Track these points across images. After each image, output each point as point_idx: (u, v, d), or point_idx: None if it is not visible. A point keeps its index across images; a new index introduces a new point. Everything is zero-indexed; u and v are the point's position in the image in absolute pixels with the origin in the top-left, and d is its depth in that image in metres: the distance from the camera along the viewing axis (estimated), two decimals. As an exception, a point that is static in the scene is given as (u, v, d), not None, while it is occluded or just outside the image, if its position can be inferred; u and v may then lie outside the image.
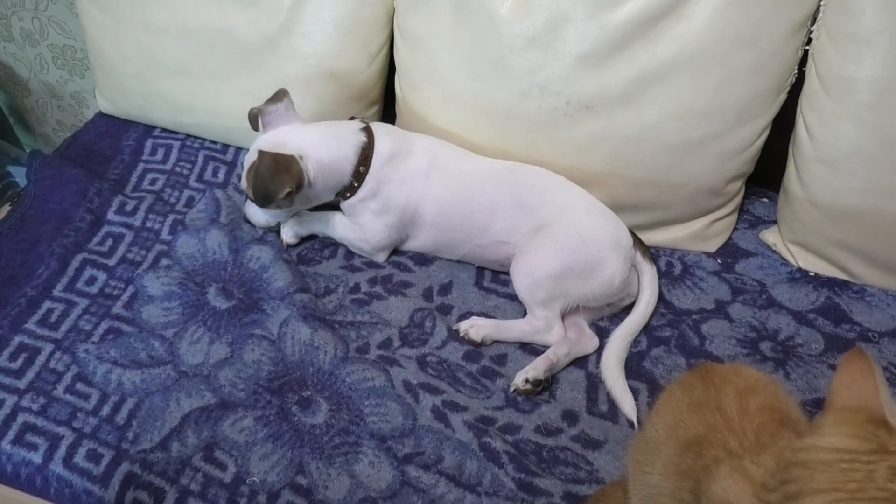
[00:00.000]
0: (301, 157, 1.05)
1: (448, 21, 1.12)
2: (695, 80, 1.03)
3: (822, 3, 1.00)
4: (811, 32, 1.02)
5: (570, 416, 0.97)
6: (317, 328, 1.04)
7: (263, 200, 1.06)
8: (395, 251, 1.18)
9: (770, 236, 1.18)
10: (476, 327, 1.04)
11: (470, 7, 1.09)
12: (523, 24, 1.06)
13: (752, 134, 1.07)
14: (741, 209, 1.22)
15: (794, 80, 1.06)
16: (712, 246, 1.17)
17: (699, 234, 1.16)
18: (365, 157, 1.09)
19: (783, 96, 1.06)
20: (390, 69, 1.26)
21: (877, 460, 0.47)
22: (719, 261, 1.16)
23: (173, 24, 1.25)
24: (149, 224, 1.21)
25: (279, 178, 1.04)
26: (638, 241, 1.09)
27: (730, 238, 1.19)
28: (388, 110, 1.30)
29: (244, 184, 1.11)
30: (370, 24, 1.20)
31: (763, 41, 1.00)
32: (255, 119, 1.10)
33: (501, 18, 1.07)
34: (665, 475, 0.68)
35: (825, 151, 1.04)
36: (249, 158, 1.10)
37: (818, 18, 1.01)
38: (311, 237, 1.20)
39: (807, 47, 1.03)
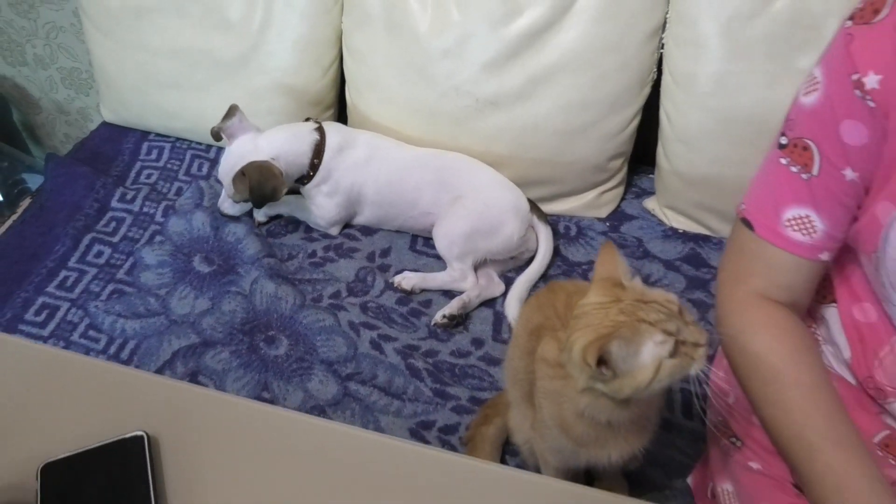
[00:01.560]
0: (274, 159, 1.32)
1: (382, 39, 1.39)
2: (574, 78, 1.30)
3: (667, 15, 1.27)
4: (662, 38, 1.29)
5: (478, 342, 1.23)
6: (280, 284, 1.31)
7: (263, 202, 1.33)
8: (346, 225, 1.45)
9: (650, 203, 1.44)
10: (406, 279, 1.30)
11: (398, 27, 1.36)
12: (440, 40, 1.33)
13: (625, 120, 1.34)
14: (630, 183, 1.49)
15: (654, 76, 1.33)
16: (603, 213, 1.44)
17: (591, 204, 1.42)
18: (318, 150, 1.36)
19: (647, 90, 1.33)
20: (341, 79, 1.53)
21: (613, 305, 0.73)
22: (608, 224, 1.43)
23: (165, 46, 1.52)
24: (145, 209, 1.48)
25: (272, 183, 1.30)
26: (535, 207, 1.35)
27: (618, 206, 1.46)
28: (341, 113, 1.57)
29: (230, 190, 1.35)
30: (323, 43, 1.47)
31: (625, 46, 1.27)
32: (216, 134, 1.36)
33: (422, 36, 1.34)
34: (521, 357, 0.93)
35: (680, 132, 1.30)
36: (231, 165, 1.33)
37: (666, 27, 1.28)
38: (278, 217, 1.47)
39: (661, 50, 1.31)
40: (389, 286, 1.32)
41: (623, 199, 1.47)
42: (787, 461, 0.77)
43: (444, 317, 1.24)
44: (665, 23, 1.28)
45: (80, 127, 2.11)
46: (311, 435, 0.68)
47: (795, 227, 0.78)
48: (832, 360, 0.87)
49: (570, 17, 1.27)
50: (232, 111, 1.36)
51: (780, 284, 0.81)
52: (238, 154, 1.33)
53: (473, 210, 1.29)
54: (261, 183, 1.29)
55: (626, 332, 0.70)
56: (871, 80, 0.69)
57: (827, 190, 0.76)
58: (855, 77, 0.70)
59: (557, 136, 1.34)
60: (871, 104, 0.69)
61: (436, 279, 1.31)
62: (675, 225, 1.40)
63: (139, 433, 0.66)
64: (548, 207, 1.42)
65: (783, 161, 0.78)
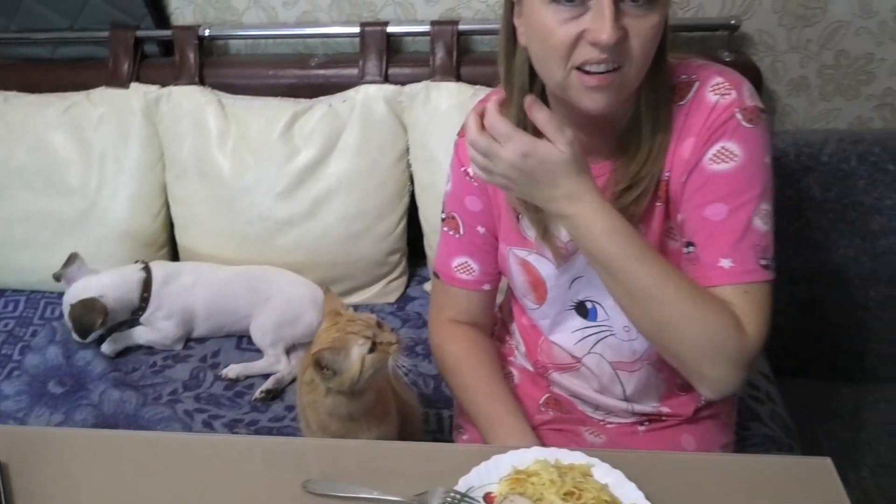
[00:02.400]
0: (102, 296, 1.62)
1: (197, 186, 1.75)
2: (347, 197, 1.70)
3: (408, 143, 1.72)
4: (409, 160, 1.73)
5: (291, 408, 1.52)
6: (125, 390, 1.56)
7: (85, 335, 1.61)
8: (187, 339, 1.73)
9: (428, 286, 1.82)
10: (231, 369, 1.60)
11: (208, 176, 1.74)
12: (241, 181, 1.72)
13: (392, 224, 1.74)
14: (413, 273, 1.87)
15: (410, 188, 1.75)
16: (392, 298, 1.80)
17: (381, 293, 1.79)
18: (146, 285, 1.67)
19: (406, 199, 1.75)
20: (170, 221, 1.86)
21: (333, 327, 1.07)
22: (396, 306, 1.79)
23: (16, 214, 1.81)
24: (3, 351, 1.71)
25: (91, 316, 1.59)
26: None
27: (404, 292, 1.83)
28: (173, 249, 1.90)
29: (69, 325, 1.64)
30: (151, 194, 1.81)
31: (380, 170, 1.70)
32: (58, 278, 1.65)
33: (227, 179, 1.72)
34: (300, 396, 1.24)
35: (433, 227, 1.71)
36: (66, 304, 1.62)
37: (409, 151, 1.72)
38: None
39: (410, 168, 1.74)
40: (219, 378, 1.61)
41: (408, 285, 1.85)
42: (473, 420, 1.12)
43: (261, 392, 1.53)
44: (407, 148, 1.72)
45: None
46: (145, 448, 0.95)
47: (461, 271, 1.17)
48: (521, 357, 1.24)
49: (336, 153, 1.70)
50: (72, 259, 1.66)
51: (462, 311, 1.20)
52: (73, 295, 1.62)
53: (279, 306, 1.63)
54: (82, 315, 1.59)
55: (337, 343, 1.04)
56: (472, 170, 1.11)
57: (472, 242, 1.15)
58: (463, 169, 1.12)
59: (342, 243, 1.73)
60: (475, 184, 1.11)
61: (256, 366, 1.61)
62: (446, 298, 1.78)
63: (-8, 459, 0.92)
64: (347, 300, 1.77)
65: (445, 229, 1.18)
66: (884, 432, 1.59)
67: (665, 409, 1.15)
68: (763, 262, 0.92)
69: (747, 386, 1.51)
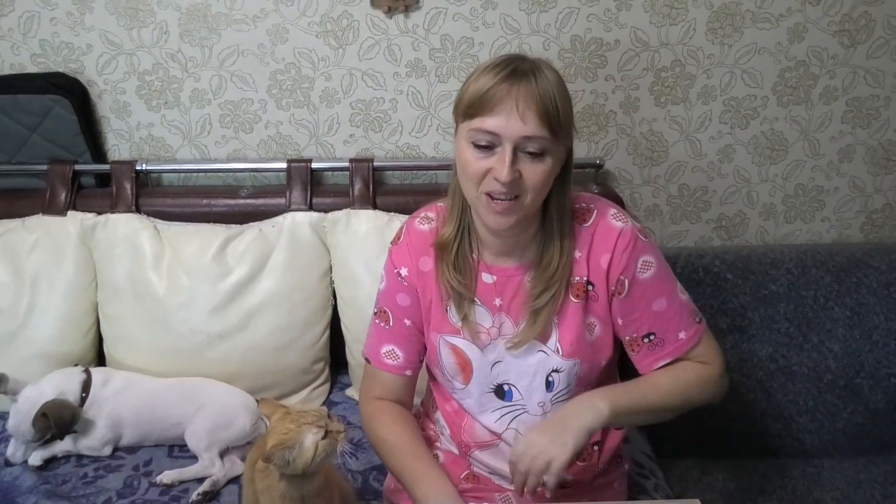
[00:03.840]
0: (62, 394, 1.69)
1: (131, 304, 1.88)
2: (276, 310, 1.88)
3: (331, 262, 1.94)
4: (331, 277, 1.94)
5: (229, 509, 1.63)
6: (57, 501, 1.61)
7: (67, 430, 1.68)
8: (115, 448, 1.79)
9: (350, 391, 1.99)
10: (166, 475, 1.68)
11: (142, 295, 1.87)
12: (175, 299, 1.86)
13: (316, 335, 1.92)
14: (335, 381, 2.04)
15: (333, 302, 1.95)
16: (317, 404, 1.95)
17: (306, 399, 1.94)
18: (86, 386, 1.75)
19: (329, 311, 1.94)
20: (99, 337, 1.95)
21: (286, 417, 1.24)
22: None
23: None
24: (-75, 475, 1.71)
25: (69, 412, 1.67)
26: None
27: (328, 397, 1.99)
28: (101, 364, 1.97)
29: (30, 433, 1.66)
30: (81, 313, 1.91)
31: (306, 286, 1.90)
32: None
33: (161, 298, 1.86)
34: (249, 485, 1.36)
35: (355, 335, 1.91)
36: (26, 413, 1.64)
37: (332, 270, 1.94)
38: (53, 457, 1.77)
39: (333, 285, 1.95)
40: (153, 484, 1.68)
41: (331, 392, 2.02)
42: (399, 478, 1.31)
43: (198, 494, 1.62)
44: (331, 267, 1.94)
45: None
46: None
47: (389, 358, 1.38)
48: (446, 441, 1.44)
49: (266, 271, 1.89)
50: (2, 380, 1.71)
51: (388, 391, 1.40)
52: (30, 403, 1.67)
53: (213, 412, 1.74)
54: (62, 415, 1.66)
55: (289, 440, 1.20)
56: (403, 272, 1.35)
57: (399, 333, 1.37)
58: (396, 271, 1.35)
59: (270, 353, 1.88)
60: (406, 283, 1.35)
61: (190, 470, 1.70)
62: (366, 401, 1.95)
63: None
64: (274, 406, 1.90)
65: (377, 321, 1.40)
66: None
67: (569, 477, 1.38)
68: (697, 318, 1.33)
69: (634, 464, 1.76)
